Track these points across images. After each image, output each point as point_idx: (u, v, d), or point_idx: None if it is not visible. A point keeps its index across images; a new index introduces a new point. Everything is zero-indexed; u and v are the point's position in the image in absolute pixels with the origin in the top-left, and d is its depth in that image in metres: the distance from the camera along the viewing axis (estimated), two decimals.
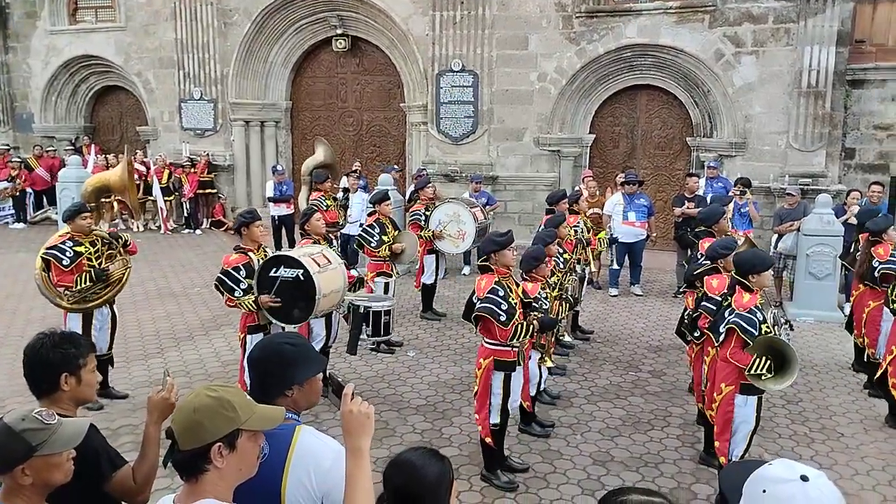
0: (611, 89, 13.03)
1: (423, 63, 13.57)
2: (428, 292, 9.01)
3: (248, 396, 2.08)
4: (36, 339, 2.68)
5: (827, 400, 6.59)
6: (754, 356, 4.47)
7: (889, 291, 6.12)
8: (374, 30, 14.25)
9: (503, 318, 4.77)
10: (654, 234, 10.66)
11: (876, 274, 6.41)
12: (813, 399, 6.58)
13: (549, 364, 5.68)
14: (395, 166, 13.18)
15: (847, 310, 7.76)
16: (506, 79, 13.16)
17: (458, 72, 13.25)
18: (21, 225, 15.47)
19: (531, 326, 4.98)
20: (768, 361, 4.48)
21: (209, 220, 15.13)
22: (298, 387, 2.37)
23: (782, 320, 4.86)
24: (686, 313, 5.98)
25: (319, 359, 2.55)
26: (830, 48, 11.34)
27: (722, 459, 4.76)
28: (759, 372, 4.47)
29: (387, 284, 7.88)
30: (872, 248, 6.58)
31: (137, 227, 14.34)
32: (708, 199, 9.16)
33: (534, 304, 5.12)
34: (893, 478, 5.17)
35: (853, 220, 8.74)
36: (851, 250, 7.64)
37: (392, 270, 8.02)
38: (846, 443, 5.73)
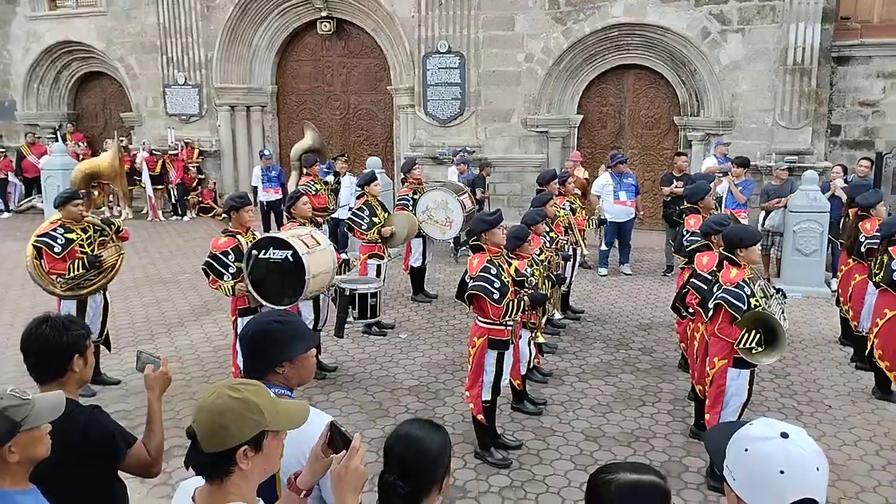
0: (598, 69, 13.00)
1: (409, 45, 13.48)
2: (417, 275, 9.01)
3: (271, 393, 2.02)
4: (38, 323, 2.69)
5: (815, 373, 6.67)
6: (742, 331, 4.51)
7: (871, 265, 6.19)
8: (360, 12, 14.13)
9: (496, 296, 4.80)
10: (642, 213, 10.71)
11: (862, 249, 6.47)
12: (801, 373, 6.67)
13: (541, 339, 5.70)
14: (466, 151, 12.40)
15: (834, 285, 7.84)
16: (492, 60, 13.10)
17: (444, 53, 13.18)
18: (6, 214, 15.32)
19: (522, 303, 5.01)
20: (758, 335, 4.52)
21: (196, 207, 15.00)
22: (289, 363, 2.39)
23: (773, 289, 4.87)
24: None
25: (311, 336, 2.56)
26: (816, 25, 11.34)
27: None
28: (749, 346, 4.52)
29: (379, 267, 7.88)
30: (860, 223, 6.65)
31: (124, 215, 14.20)
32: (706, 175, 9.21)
33: (525, 283, 5.14)
34: (881, 447, 5.26)
35: (839, 194, 8.82)
36: (841, 225, 7.70)
37: (384, 253, 8.01)
38: (834, 414, 5.82)
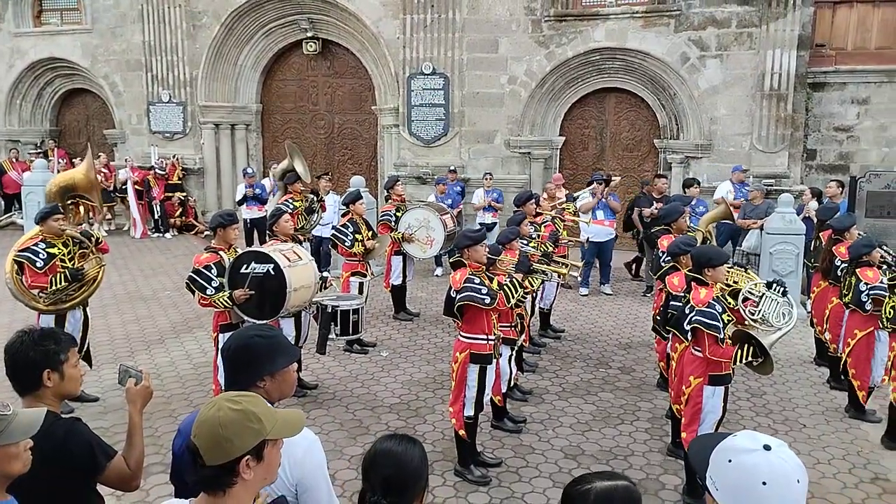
0: (580, 92, 13.21)
1: (393, 66, 13.62)
2: (398, 293, 9.05)
3: (267, 403, 2.07)
4: (16, 337, 2.70)
5: (790, 393, 6.77)
6: (735, 349, 4.56)
7: (841, 287, 6.34)
8: (345, 33, 14.28)
9: (487, 301, 4.87)
10: (625, 233, 10.88)
11: (839, 272, 6.59)
12: (776, 392, 6.76)
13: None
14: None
15: (809, 306, 7.98)
16: (476, 81, 13.27)
17: (428, 74, 13.33)
18: None
19: (515, 281, 5.08)
20: (750, 347, 4.55)
21: (180, 224, 14.96)
22: (270, 377, 2.42)
23: (763, 287, 4.74)
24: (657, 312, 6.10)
25: (292, 350, 2.59)
26: (792, 52, 11.64)
27: None
28: (748, 361, 4.55)
29: (361, 284, 7.91)
30: (835, 247, 6.78)
31: (101, 231, 14.12)
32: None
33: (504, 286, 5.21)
34: (853, 465, 5.35)
35: (810, 215, 9.01)
36: (812, 248, 7.86)
37: (367, 270, 8.04)
38: (808, 433, 5.90)
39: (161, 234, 14.67)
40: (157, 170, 14.51)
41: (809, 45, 11.96)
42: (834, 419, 6.20)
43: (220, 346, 5.59)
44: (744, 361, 4.55)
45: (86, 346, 6.35)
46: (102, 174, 13.73)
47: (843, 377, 6.39)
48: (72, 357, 2.76)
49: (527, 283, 5.34)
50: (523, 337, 6.56)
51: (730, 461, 1.69)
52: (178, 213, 14.84)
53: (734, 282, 4.83)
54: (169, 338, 8.13)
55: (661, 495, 4.91)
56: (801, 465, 1.69)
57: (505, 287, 5.03)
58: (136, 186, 14.34)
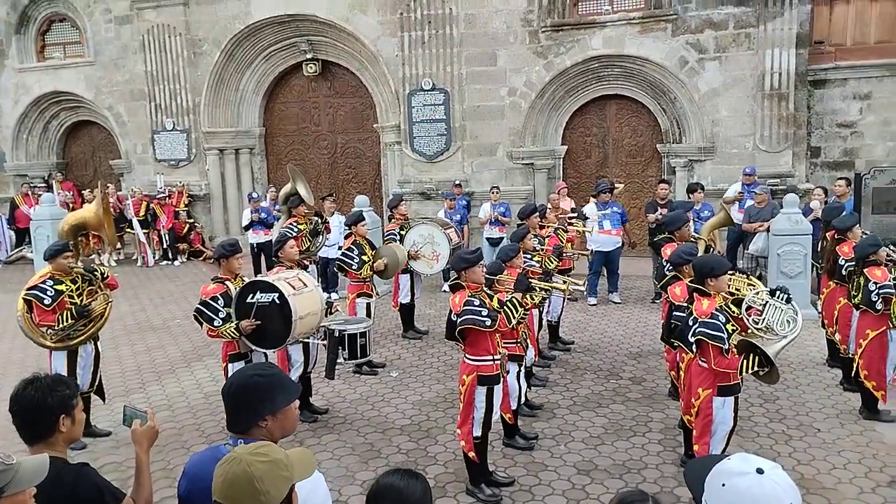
0: (580, 101, 13.22)
1: (393, 83, 13.70)
2: (407, 312, 9.06)
3: (279, 447, 2.09)
4: (24, 385, 2.73)
5: (803, 396, 6.71)
6: (741, 359, 4.54)
7: (850, 287, 6.29)
8: (344, 53, 14.38)
9: (488, 322, 4.86)
10: (632, 241, 10.86)
11: (843, 272, 6.55)
12: (790, 396, 6.70)
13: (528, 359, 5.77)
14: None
15: (819, 306, 7.92)
16: (476, 95, 13.31)
17: (428, 90, 13.39)
18: None
19: (514, 301, 5.09)
20: (756, 357, 4.53)
21: (187, 251, 15.07)
22: (272, 417, 2.43)
23: (766, 295, 4.70)
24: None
25: (293, 388, 2.60)
26: (790, 50, 11.61)
27: None
28: (755, 370, 4.54)
29: (368, 305, 7.92)
30: (838, 247, 6.74)
31: (109, 262, 14.27)
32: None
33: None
34: (870, 469, 5.28)
35: (819, 216, 8.96)
36: (819, 248, 7.81)
37: (373, 291, 8.06)
38: (823, 437, 5.84)
39: (170, 262, 14.77)
40: (157, 196, 14.62)
41: (808, 43, 11.92)
42: (848, 422, 6.14)
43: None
44: (750, 371, 4.52)
45: (97, 379, 6.39)
46: (113, 206, 13.88)
47: (855, 379, 6.32)
48: (79, 402, 2.81)
49: (527, 300, 5.32)
50: (532, 354, 6.55)
51: (723, 485, 1.72)
52: (185, 230, 14.89)
53: (736, 289, 4.80)
54: (180, 367, 8.17)
55: None
56: (794, 488, 1.71)
57: (505, 307, 5.02)
58: (138, 217, 14.42)
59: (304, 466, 2.02)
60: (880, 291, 5.88)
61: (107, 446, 6.07)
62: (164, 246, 14.90)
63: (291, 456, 2.02)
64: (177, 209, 14.78)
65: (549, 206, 8.83)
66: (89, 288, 6.18)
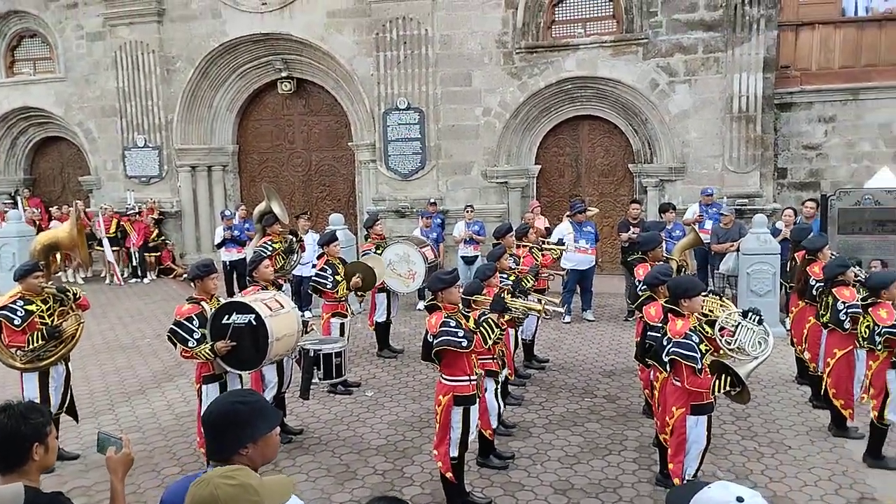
0: (554, 121, 13.38)
1: (368, 102, 13.74)
2: (382, 331, 9.03)
3: (255, 473, 2.07)
4: None
5: (774, 413, 6.82)
6: (714, 379, 4.60)
7: (818, 307, 6.44)
8: (319, 71, 14.40)
9: (464, 343, 4.86)
10: (600, 260, 10.98)
11: (814, 292, 6.69)
12: (761, 414, 6.80)
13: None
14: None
15: (788, 324, 8.06)
16: (451, 114, 13.41)
17: (403, 109, 13.46)
18: None
19: (490, 321, 5.09)
20: (728, 377, 4.59)
21: (156, 269, 14.87)
22: (253, 445, 2.41)
23: (738, 316, 4.78)
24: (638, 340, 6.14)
25: (274, 414, 2.57)
26: (758, 74, 11.91)
27: (676, 481, 4.88)
28: (727, 390, 4.60)
29: (342, 325, 7.88)
30: (809, 267, 6.89)
31: (77, 279, 14.04)
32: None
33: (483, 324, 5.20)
34: (840, 486, 5.37)
35: (788, 237, 9.15)
36: (788, 268, 7.97)
37: (347, 311, 8.02)
38: (794, 455, 5.93)
39: (139, 280, 14.55)
40: (127, 213, 14.43)
41: (775, 67, 12.24)
42: (818, 439, 6.25)
43: (204, 399, 5.54)
44: (722, 391, 4.59)
45: (68, 400, 6.25)
46: (84, 223, 13.66)
47: (824, 396, 6.44)
48: (52, 429, 2.74)
49: (503, 321, 5.34)
50: (507, 371, 6.56)
51: None
52: (153, 235, 14.63)
53: (710, 311, 4.88)
54: (150, 388, 8.03)
55: None
56: None
57: (481, 328, 5.03)
58: (109, 234, 14.19)
59: (278, 494, 2.00)
60: (848, 311, 6.01)
61: (75, 469, 5.93)
62: (134, 264, 14.68)
63: (268, 482, 2.00)
64: (149, 226, 14.55)
65: (532, 226, 8.87)
66: (60, 308, 6.07)
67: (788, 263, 7.94)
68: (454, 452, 5.04)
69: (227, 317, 5.43)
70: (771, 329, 4.94)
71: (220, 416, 2.43)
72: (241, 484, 1.90)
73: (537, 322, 8.33)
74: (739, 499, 1.73)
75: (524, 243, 8.09)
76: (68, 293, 6.10)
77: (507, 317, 5.50)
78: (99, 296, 12.88)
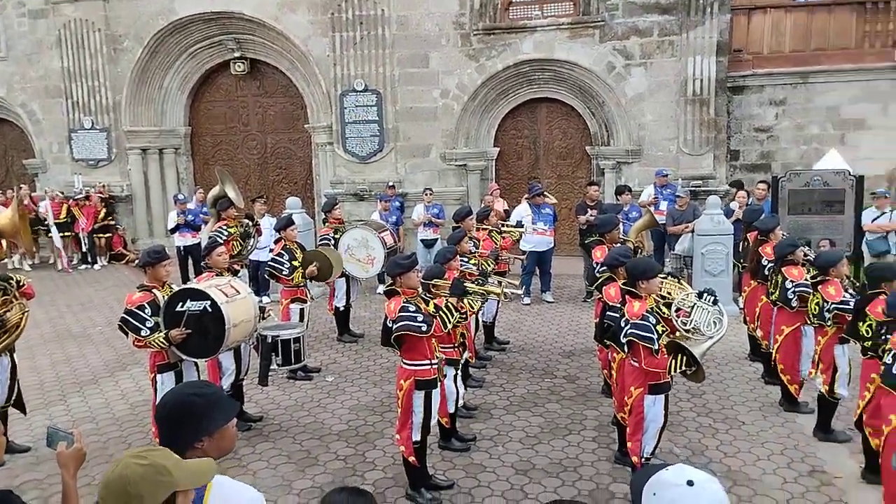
0: (512, 103, 13.38)
1: (325, 84, 13.53)
2: (342, 316, 8.96)
3: (174, 454, 2.04)
4: None
5: (728, 390, 6.99)
6: (669, 359, 4.68)
7: (768, 285, 6.60)
8: (274, 52, 14.11)
9: (423, 328, 4.85)
10: (559, 242, 11.05)
11: (766, 272, 6.84)
12: (715, 391, 6.97)
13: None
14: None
15: (741, 303, 8.26)
16: (409, 96, 13.30)
17: (361, 91, 13.29)
18: None
19: (449, 305, 5.07)
20: (684, 357, 4.67)
21: (107, 254, 14.47)
22: (209, 437, 2.35)
23: (694, 297, 4.85)
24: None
25: (231, 406, 2.51)
26: (711, 58, 12.08)
27: (634, 459, 4.97)
28: (682, 370, 4.68)
29: (302, 310, 7.79)
30: (761, 248, 7.05)
31: (23, 266, 13.59)
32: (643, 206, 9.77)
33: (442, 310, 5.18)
34: (791, 460, 5.54)
35: (740, 217, 9.36)
36: (741, 249, 8.15)
37: (306, 296, 7.93)
38: (747, 430, 6.09)
39: (90, 266, 14.14)
40: (76, 198, 13.96)
41: (728, 51, 12.42)
42: (770, 414, 6.43)
43: (159, 388, 5.42)
44: (678, 371, 4.68)
45: (15, 393, 6.04)
46: (28, 208, 13.16)
47: (775, 374, 6.62)
48: (0, 426, 2.67)
49: (465, 305, 5.33)
50: (468, 354, 6.57)
51: (654, 494, 1.81)
52: (101, 214, 14.15)
53: (668, 293, 4.95)
54: (103, 377, 7.84)
55: None
56: (724, 499, 1.78)
57: (441, 312, 5.01)
58: (58, 220, 13.73)
59: (196, 474, 2.00)
60: (796, 289, 6.17)
61: (26, 462, 5.76)
62: (84, 249, 14.25)
63: (187, 464, 2.00)
64: (98, 209, 14.10)
65: (493, 210, 8.88)
66: (3, 297, 5.83)
67: (741, 244, 8.11)
68: (416, 436, 5.04)
69: (181, 304, 5.31)
70: (725, 308, 5.04)
71: (175, 408, 2.37)
72: (151, 464, 1.88)
73: (498, 304, 8.38)
74: (690, 482, 1.77)
75: (484, 226, 8.09)
76: (11, 281, 5.86)
77: (469, 305, 5.48)
78: (48, 283, 12.50)
